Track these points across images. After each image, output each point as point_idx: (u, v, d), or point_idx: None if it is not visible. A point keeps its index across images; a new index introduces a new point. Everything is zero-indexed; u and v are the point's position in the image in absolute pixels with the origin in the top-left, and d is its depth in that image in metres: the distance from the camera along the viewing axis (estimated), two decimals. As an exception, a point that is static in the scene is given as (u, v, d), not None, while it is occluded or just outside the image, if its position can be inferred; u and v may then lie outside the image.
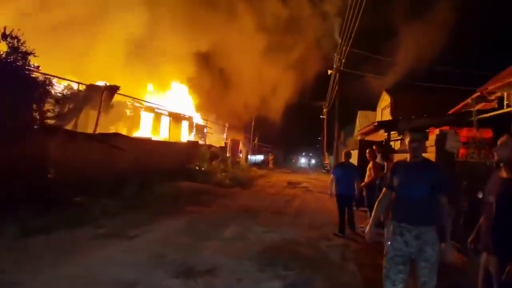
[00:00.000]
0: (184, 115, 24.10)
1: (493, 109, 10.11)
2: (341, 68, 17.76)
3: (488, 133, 7.40)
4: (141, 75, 23.21)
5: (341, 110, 18.97)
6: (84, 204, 7.38)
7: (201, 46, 26.48)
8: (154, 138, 17.16)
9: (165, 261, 4.83)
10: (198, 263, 4.85)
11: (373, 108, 31.79)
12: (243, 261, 5.04)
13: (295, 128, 67.55)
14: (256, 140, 42.71)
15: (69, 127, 10.45)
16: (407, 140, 3.08)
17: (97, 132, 10.72)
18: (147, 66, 23.69)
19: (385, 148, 10.21)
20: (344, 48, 17.20)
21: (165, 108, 20.91)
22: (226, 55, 30.64)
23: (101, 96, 11.65)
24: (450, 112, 12.68)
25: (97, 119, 11.25)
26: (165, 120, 21.33)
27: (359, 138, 26.29)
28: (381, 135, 11.51)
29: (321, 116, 38.90)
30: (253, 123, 37.03)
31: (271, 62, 34.68)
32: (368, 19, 20.28)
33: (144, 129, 19.01)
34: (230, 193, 12.70)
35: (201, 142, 26.08)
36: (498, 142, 2.62)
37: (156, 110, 19.99)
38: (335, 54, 18.10)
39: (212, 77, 28.91)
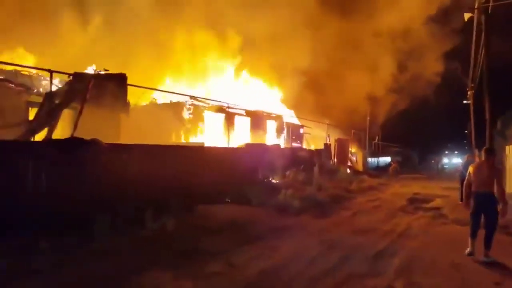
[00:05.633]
0: (270, 113, 19.61)
1: None
2: (489, 3, 10.22)
3: None
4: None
5: (491, 77, 11.40)
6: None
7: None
8: (217, 144, 13.12)
9: None
10: None
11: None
12: None
13: (431, 120, 56.08)
14: (377, 139, 35.40)
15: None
16: None
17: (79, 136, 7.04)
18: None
19: None
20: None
21: (239, 106, 16.75)
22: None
23: (88, 85, 8.16)
24: None
25: (78, 118, 7.79)
26: (241, 122, 17.23)
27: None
28: None
29: (464, 102, 29.04)
30: (368, 118, 29.94)
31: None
32: None
33: (210, 134, 15.22)
34: (285, 227, 7.46)
35: (296, 145, 21.25)
36: None
37: (228, 109, 15.96)
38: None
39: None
